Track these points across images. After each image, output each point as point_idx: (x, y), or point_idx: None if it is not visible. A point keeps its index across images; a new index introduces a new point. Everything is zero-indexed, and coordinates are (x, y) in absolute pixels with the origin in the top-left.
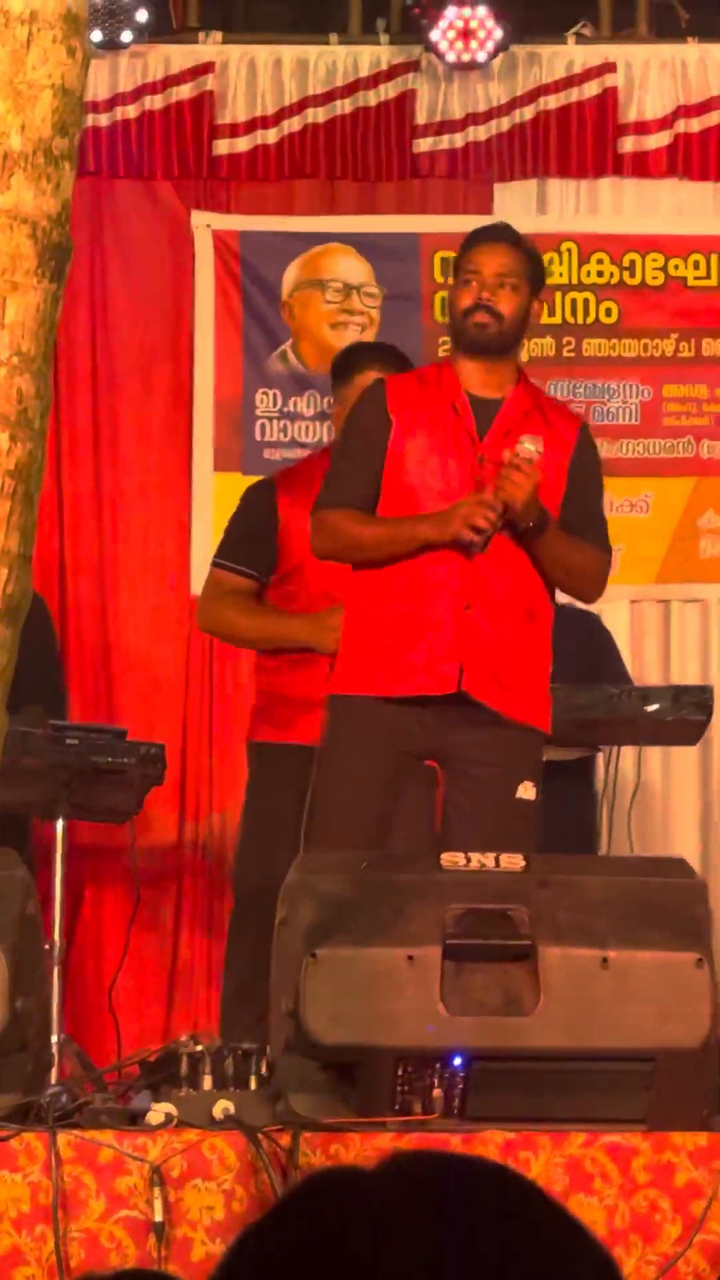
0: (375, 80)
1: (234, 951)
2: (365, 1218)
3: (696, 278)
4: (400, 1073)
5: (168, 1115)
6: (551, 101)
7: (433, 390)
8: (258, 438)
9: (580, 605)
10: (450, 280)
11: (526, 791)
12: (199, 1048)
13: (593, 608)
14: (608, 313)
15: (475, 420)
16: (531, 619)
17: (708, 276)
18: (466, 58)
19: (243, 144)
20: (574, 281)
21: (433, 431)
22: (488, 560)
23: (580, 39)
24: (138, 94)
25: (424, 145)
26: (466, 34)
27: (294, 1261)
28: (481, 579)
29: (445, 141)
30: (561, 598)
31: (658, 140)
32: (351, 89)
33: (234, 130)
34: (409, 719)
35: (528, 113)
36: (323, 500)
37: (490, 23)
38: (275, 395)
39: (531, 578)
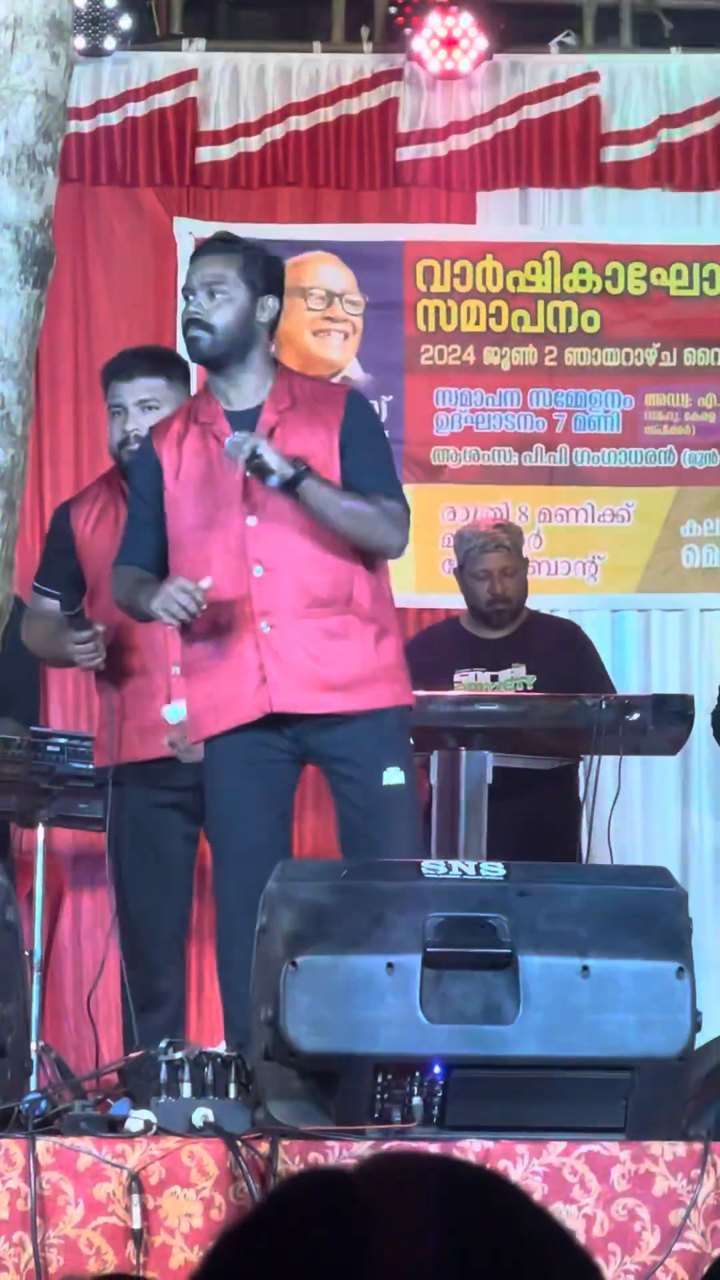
0: (358, 88)
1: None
2: (347, 1216)
3: (679, 287)
4: (379, 1081)
5: (146, 1122)
6: (534, 111)
7: (194, 422)
8: None
9: (562, 615)
10: (430, 288)
11: (394, 777)
12: (178, 1055)
13: (574, 615)
14: (590, 322)
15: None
16: (336, 607)
17: (690, 286)
18: (450, 66)
19: (226, 151)
20: (556, 290)
21: (199, 466)
22: (278, 571)
23: (563, 48)
24: (121, 101)
25: (407, 154)
26: (450, 43)
27: (275, 1259)
28: (270, 590)
29: (428, 150)
30: (544, 606)
31: (640, 150)
32: (335, 97)
33: (217, 137)
34: (268, 733)
35: (511, 122)
36: (118, 553)
37: (474, 32)
38: None
39: (323, 565)
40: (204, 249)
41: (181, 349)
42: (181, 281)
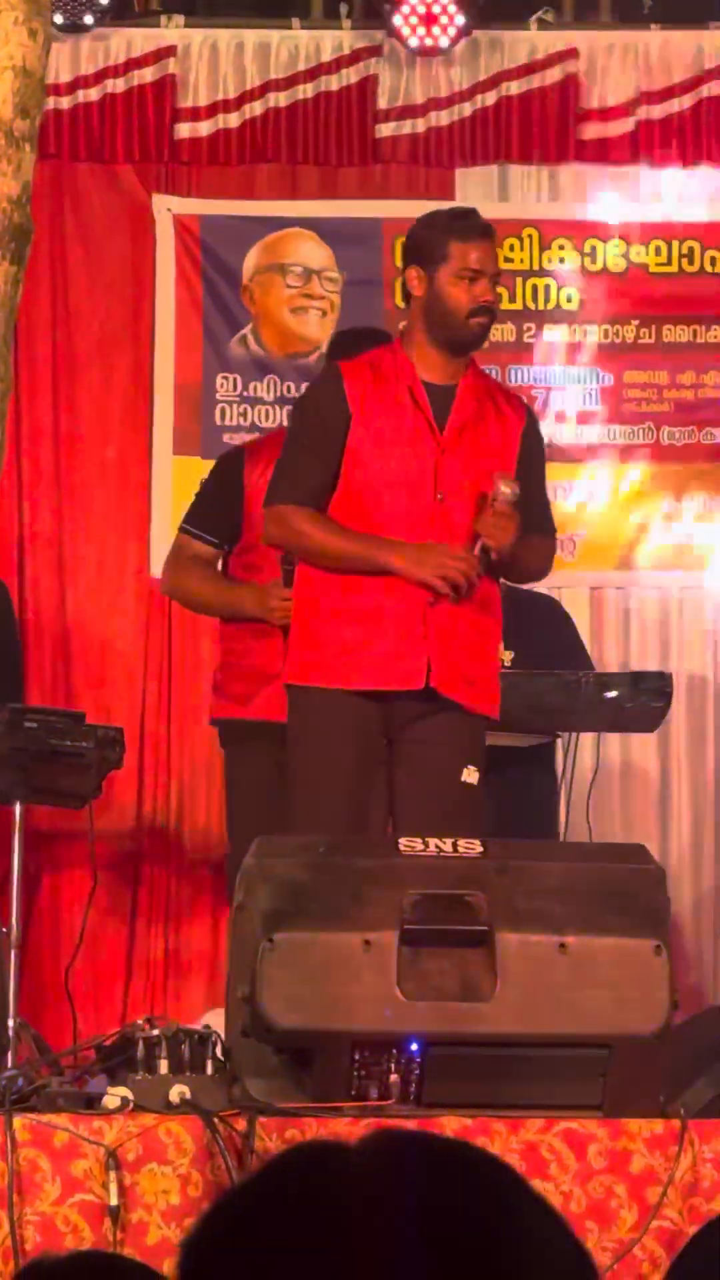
0: (337, 65)
1: None
2: (343, 1186)
3: (658, 264)
4: (357, 1058)
5: (124, 1099)
6: (514, 87)
7: (389, 378)
8: (218, 422)
9: (541, 590)
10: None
11: (470, 775)
12: (155, 1032)
13: (552, 592)
14: (569, 299)
15: (432, 409)
16: (486, 609)
17: (669, 263)
18: (429, 43)
19: (204, 128)
20: (535, 267)
21: (391, 421)
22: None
23: (543, 25)
24: (99, 77)
25: (386, 130)
26: (429, 19)
27: (269, 1224)
28: None
29: (407, 126)
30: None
31: (620, 126)
32: (313, 74)
33: (196, 114)
34: (372, 708)
35: (490, 98)
36: (278, 492)
37: (453, 8)
38: (235, 379)
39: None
40: (481, 232)
41: (167, 322)
42: (162, 258)
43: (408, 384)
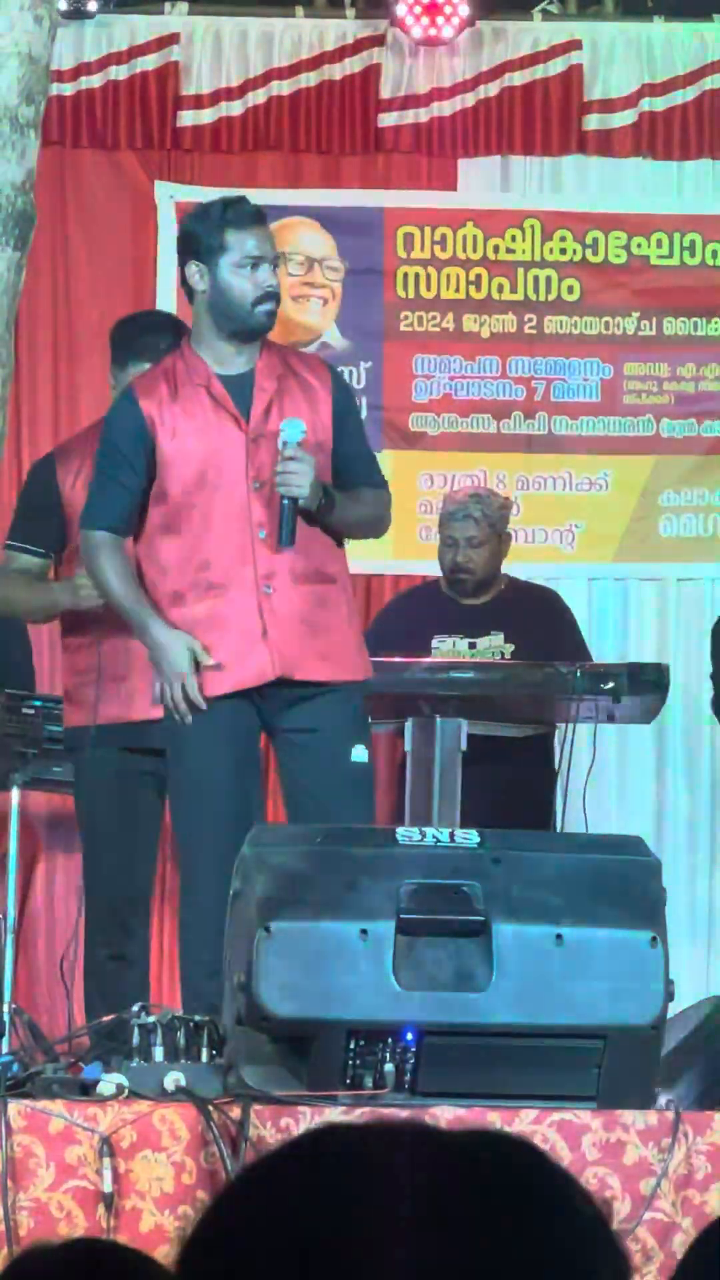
0: (340, 54)
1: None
2: (360, 1171)
3: (659, 256)
4: (352, 1047)
5: (118, 1086)
6: (517, 78)
7: (184, 382)
8: None
9: (539, 582)
10: (410, 255)
11: (361, 755)
12: (150, 1019)
13: (550, 583)
14: (570, 290)
15: (234, 400)
16: (321, 575)
17: (670, 255)
18: (433, 33)
19: (207, 115)
20: (536, 258)
21: (194, 424)
22: (275, 539)
23: (547, 16)
24: (103, 64)
25: (388, 120)
26: (433, 9)
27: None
28: (273, 554)
29: (410, 116)
30: (520, 574)
31: (622, 118)
32: (317, 62)
33: (198, 102)
34: (245, 706)
35: (493, 89)
36: (87, 517)
37: None
38: None
39: (315, 535)
40: (255, 218)
41: (169, 309)
42: (164, 245)
43: (203, 383)
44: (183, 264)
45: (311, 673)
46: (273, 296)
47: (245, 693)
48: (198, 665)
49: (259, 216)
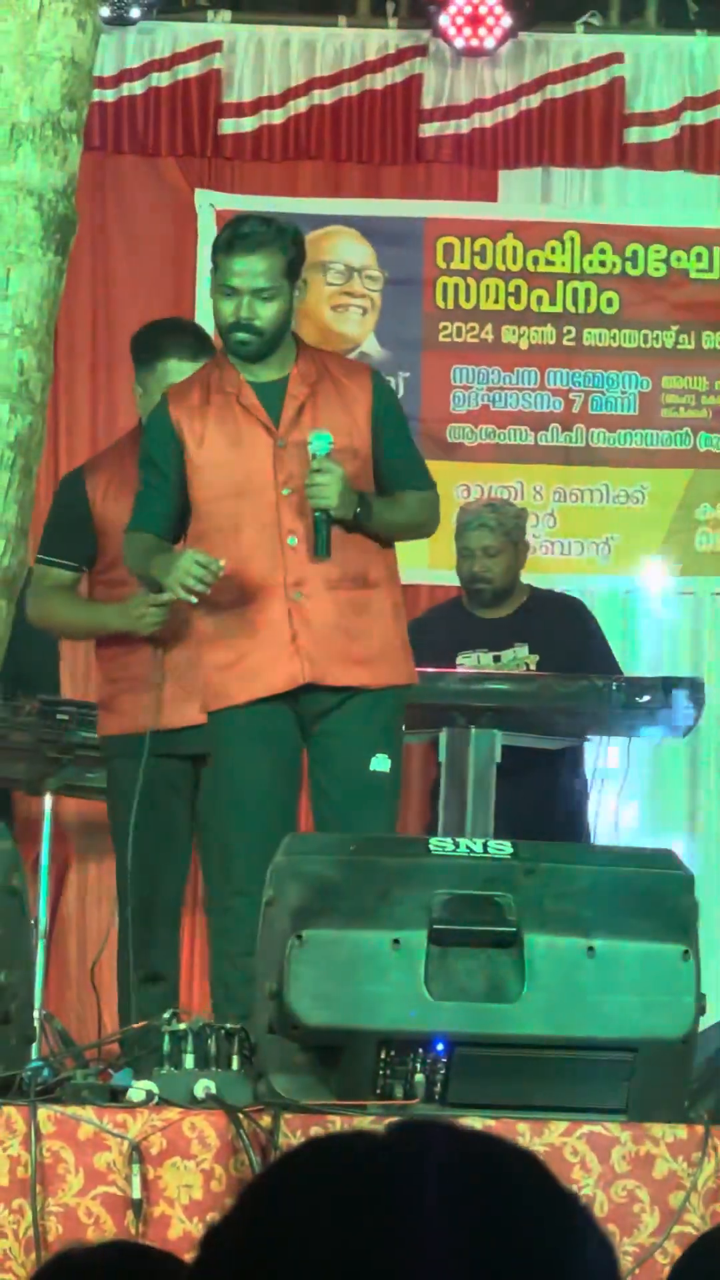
0: (382, 64)
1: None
2: (370, 1174)
3: (698, 270)
4: (382, 1057)
5: (149, 1093)
6: (558, 90)
7: (217, 390)
8: None
9: (568, 593)
10: (449, 265)
11: (381, 764)
12: (181, 1026)
13: (585, 595)
14: (609, 303)
15: (265, 408)
16: (367, 583)
17: (709, 269)
18: (475, 44)
19: (248, 124)
20: (576, 271)
21: (225, 431)
22: (310, 549)
23: (589, 28)
24: (145, 71)
25: (429, 130)
26: (475, 20)
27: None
28: (303, 560)
29: (451, 127)
30: (556, 586)
31: (664, 132)
32: (358, 72)
33: (240, 110)
34: (284, 710)
35: (534, 100)
36: (131, 521)
37: (499, 10)
38: None
39: (352, 539)
40: (239, 244)
41: (207, 317)
42: (203, 253)
43: (234, 391)
44: None
45: (344, 678)
46: (244, 328)
47: (283, 699)
48: (205, 590)
49: (249, 246)
